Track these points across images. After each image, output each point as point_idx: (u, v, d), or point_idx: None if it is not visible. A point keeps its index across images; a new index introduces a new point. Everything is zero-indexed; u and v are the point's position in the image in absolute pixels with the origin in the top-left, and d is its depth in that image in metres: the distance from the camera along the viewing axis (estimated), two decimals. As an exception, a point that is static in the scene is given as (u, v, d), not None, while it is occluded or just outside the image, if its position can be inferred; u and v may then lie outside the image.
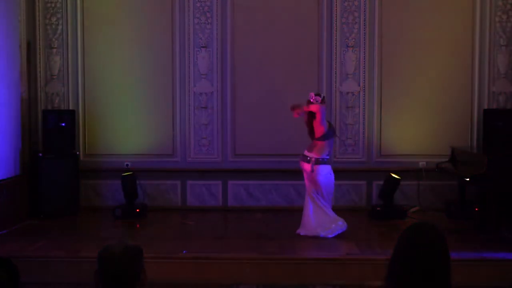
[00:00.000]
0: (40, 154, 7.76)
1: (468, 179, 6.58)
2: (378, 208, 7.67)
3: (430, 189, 8.10)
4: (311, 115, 6.69)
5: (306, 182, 6.76)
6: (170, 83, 8.31)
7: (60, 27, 8.32)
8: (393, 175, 7.73)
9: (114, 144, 8.33)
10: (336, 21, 8.17)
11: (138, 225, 7.49)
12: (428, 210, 7.96)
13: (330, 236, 6.62)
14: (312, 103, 6.63)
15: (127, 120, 8.32)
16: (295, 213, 7.25)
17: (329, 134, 6.77)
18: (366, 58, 8.18)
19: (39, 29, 8.30)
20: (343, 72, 8.20)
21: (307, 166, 6.68)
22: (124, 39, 8.29)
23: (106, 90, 8.33)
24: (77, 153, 8.06)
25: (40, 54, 8.33)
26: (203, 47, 8.28)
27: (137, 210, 7.78)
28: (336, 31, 8.17)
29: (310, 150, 6.71)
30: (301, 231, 6.76)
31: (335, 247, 6.33)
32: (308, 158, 6.68)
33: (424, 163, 8.07)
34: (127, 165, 8.23)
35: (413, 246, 2.23)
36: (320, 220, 6.69)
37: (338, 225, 6.71)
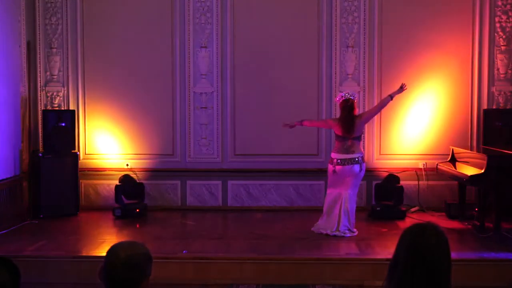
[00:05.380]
0: (40, 154, 7.76)
1: (468, 179, 6.58)
2: (378, 208, 7.68)
3: (430, 189, 8.10)
4: (351, 114, 6.70)
5: (345, 183, 6.67)
6: (170, 83, 8.31)
7: (60, 27, 8.32)
8: (393, 174, 7.77)
9: (114, 144, 8.34)
10: (336, 21, 8.17)
11: (138, 225, 7.49)
12: (428, 210, 7.96)
13: (348, 235, 6.66)
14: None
15: (127, 120, 8.32)
16: (295, 213, 7.27)
17: None
18: (366, 58, 8.18)
19: (39, 29, 8.30)
20: (343, 72, 8.20)
21: (356, 168, 6.63)
22: (124, 39, 8.29)
23: (106, 90, 8.33)
24: (77, 153, 8.06)
25: (40, 54, 8.33)
26: (203, 47, 8.28)
27: (137, 210, 7.79)
28: (336, 31, 8.17)
29: (352, 151, 6.64)
30: (327, 230, 6.72)
31: (335, 247, 6.32)
32: (356, 159, 6.65)
33: (424, 163, 8.08)
34: (127, 165, 8.24)
35: (415, 246, 2.24)
36: (350, 220, 6.74)
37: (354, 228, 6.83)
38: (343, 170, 6.63)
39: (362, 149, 6.95)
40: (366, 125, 8.04)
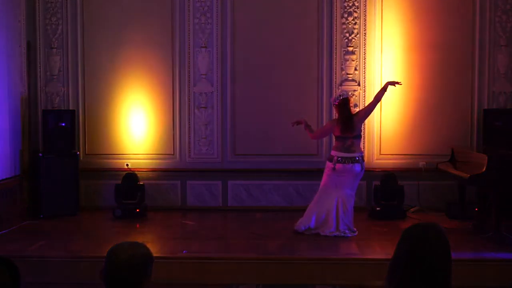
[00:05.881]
0: (40, 154, 7.76)
1: (468, 179, 6.58)
2: (378, 208, 7.68)
3: (430, 189, 8.10)
4: (350, 112, 6.70)
5: (343, 182, 6.67)
6: (170, 83, 8.31)
7: (60, 27, 8.32)
8: (387, 173, 7.78)
9: (114, 144, 8.33)
10: (336, 21, 8.17)
11: (138, 225, 7.49)
12: (428, 210, 7.96)
13: (349, 235, 6.65)
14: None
15: (127, 120, 8.32)
16: (295, 213, 7.26)
17: None
18: (366, 58, 8.17)
19: (39, 29, 8.30)
20: (343, 72, 8.20)
21: (357, 167, 6.64)
22: (124, 39, 8.28)
23: (106, 90, 8.32)
24: (77, 153, 8.05)
25: (40, 54, 8.32)
26: (203, 47, 8.28)
27: (137, 210, 7.78)
28: (336, 31, 8.17)
29: (353, 150, 6.64)
30: (326, 231, 6.70)
31: (335, 247, 6.33)
32: (357, 158, 6.65)
33: (424, 163, 8.08)
34: (127, 165, 8.23)
35: (415, 247, 2.23)
36: (350, 220, 6.73)
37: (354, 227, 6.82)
38: (343, 169, 6.62)
39: (362, 149, 6.96)
40: (366, 126, 8.11)
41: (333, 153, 6.75)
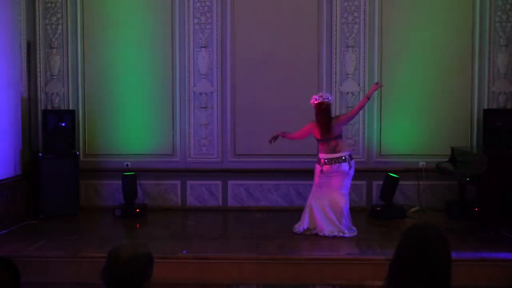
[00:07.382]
0: (40, 154, 7.76)
1: (468, 179, 6.58)
2: (378, 208, 7.68)
3: (430, 189, 8.10)
4: (326, 116, 6.68)
5: (334, 183, 6.69)
6: (170, 83, 8.31)
7: (60, 27, 8.32)
8: (391, 174, 7.75)
9: (114, 144, 8.33)
10: (336, 21, 8.17)
11: (138, 225, 7.49)
12: (428, 210, 7.96)
13: (348, 235, 6.64)
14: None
15: (127, 120, 8.32)
16: (295, 213, 7.27)
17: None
18: (366, 58, 8.18)
19: (39, 29, 8.30)
20: (343, 72, 8.20)
21: (344, 167, 6.65)
22: (124, 39, 8.29)
23: (106, 90, 8.33)
24: (77, 153, 8.05)
25: (40, 54, 8.32)
26: (203, 47, 8.28)
27: (137, 210, 7.79)
28: (336, 31, 8.17)
29: (339, 150, 6.65)
30: (325, 232, 6.68)
31: (335, 247, 6.33)
32: (343, 157, 6.65)
33: (424, 163, 8.08)
34: (127, 165, 8.24)
35: (415, 247, 2.24)
36: (347, 219, 6.72)
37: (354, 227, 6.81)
38: (330, 170, 6.66)
39: (349, 147, 6.95)
40: (366, 125, 8.11)
41: (320, 155, 6.79)
